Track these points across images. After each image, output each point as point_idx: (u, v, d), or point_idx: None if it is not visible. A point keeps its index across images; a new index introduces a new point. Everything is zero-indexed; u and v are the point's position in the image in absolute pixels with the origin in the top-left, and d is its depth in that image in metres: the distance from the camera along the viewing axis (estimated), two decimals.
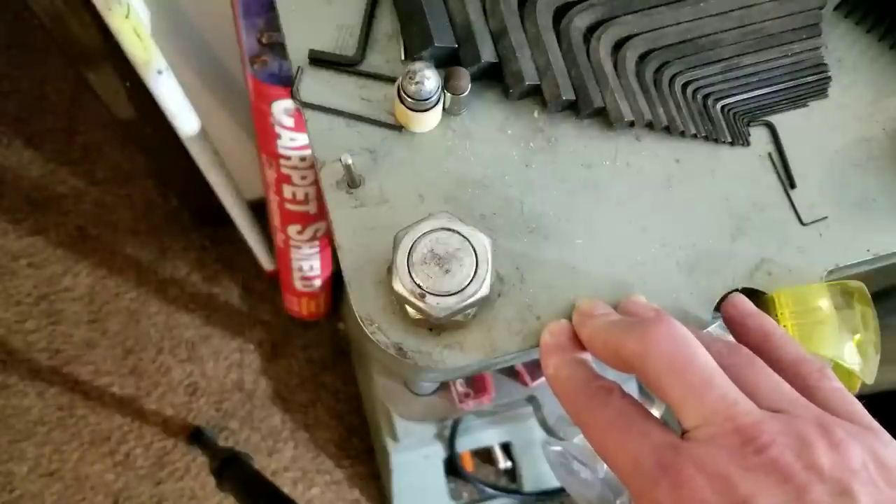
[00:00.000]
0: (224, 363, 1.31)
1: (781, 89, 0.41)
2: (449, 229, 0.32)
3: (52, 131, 1.41)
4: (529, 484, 1.18)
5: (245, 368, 1.31)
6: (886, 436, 0.25)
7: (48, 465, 1.23)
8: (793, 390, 0.26)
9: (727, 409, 0.24)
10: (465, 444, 1.14)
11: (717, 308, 0.36)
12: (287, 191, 0.89)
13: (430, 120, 0.37)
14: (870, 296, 0.35)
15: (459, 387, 0.81)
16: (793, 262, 0.38)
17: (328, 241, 1.03)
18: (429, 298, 0.31)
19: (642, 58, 0.40)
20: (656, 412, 0.32)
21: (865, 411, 0.26)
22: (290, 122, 0.78)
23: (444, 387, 0.84)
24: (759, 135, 0.41)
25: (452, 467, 1.15)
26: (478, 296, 0.31)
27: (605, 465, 0.33)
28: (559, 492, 1.16)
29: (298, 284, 1.13)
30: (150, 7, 0.74)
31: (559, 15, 0.39)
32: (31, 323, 1.31)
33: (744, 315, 0.32)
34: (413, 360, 0.34)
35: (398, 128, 0.38)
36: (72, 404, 1.27)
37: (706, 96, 0.41)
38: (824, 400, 0.26)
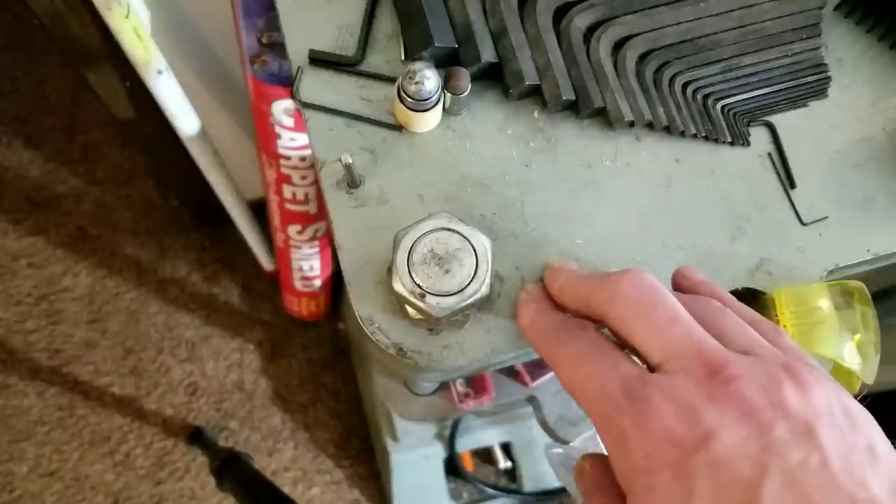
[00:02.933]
0: (224, 363, 1.31)
1: (781, 89, 0.41)
2: (449, 229, 0.32)
3: (52, 131, 1.41)
4: (529, 484, 1.18)
5: (245, 368, 1.31)
6: (845, 390, 0.25)
7: (48, 465, 1.23)
8: (759, 335, 0.26)
9: (694, 344, 0.24)
10: (465, 444, 1.14)
11: None
12: (287, 191, 0.89)
13: (430, 120, 0.37)
14: (870, 296, 0.35)
15: (459, 387, 0.81)
16: (793, 262, 0.38)
17: (328, 241, 1.03)
18: (429, 298, 0.31)
19: (642, 58, 0.40)
20: None
21: (823, 369, 0.26)
22: (290, 122, 0.78)
23: (444, 387, 0.84)
24: (759, 135, 0.41)
25: (452, 467, 1.15)
26: (478, 296, 0.31)
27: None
28: (559, 492, 1.16)
29: (298, 284, 1.13)
30: (150, 7, 0.74)
31: (559, 15, 0.39)
32: (31, 323, 1.31)
33: (695, 284, 0.32)
34: (413, 360, 0.34)
35: (398, 128, 0.38)
36: (72, 404, 1.27)
37: (706, 96, 0.41)
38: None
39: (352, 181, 0.37)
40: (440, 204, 0.37)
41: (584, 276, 0.30)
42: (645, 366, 0.26)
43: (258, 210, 1.08)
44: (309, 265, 1.07)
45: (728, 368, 0.23)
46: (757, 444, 0.22)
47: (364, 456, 1.28)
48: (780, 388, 0.23)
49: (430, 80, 0.35)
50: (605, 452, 0.30)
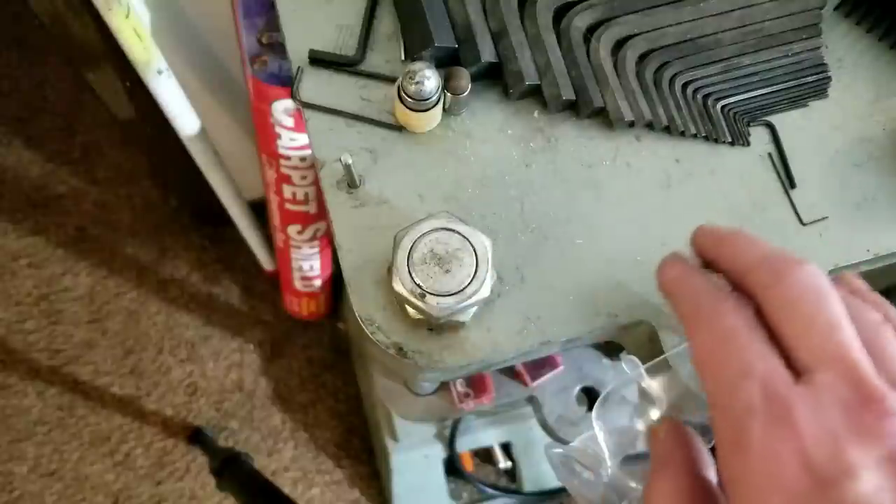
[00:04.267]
0: (224, 363, 1.31)
1: (781, 89, 0.41)
2: (449, 229, 0.32)
3: (52, 131, 1.41)
4: (529, 484, 1.18)
5: (245, 368, 1.31)
6: None
7: (48, 465, 1.23)
8: None
9: (851, 361, 0.22)
10: (465, 444, 1.14)
11: None
12: (287, 191, 0.89)
13: (430, 120, 0.37)
14: None
15: (459, 387, 0.81)
16: None
17: (328, 241, 1.03)
18: (429, 298, 0.31)
19: (642, 58, 0.40)
20: (655, 413, 0.32)
21: None
22: (290, 122, 0.78)
23: (444, 387, 0.84)
24: (759, 135, 0.41)
25: (452, 467, 1.15)
26: (478, 296, 0.31)
27: (610, 468, 0.32)
28: (559, 492, 1.16)
29: (298, 284, 1.13)
30: (150, 7, 0.74)
31: (559, 15, 0.39)
32: (31, 323, 1.31)
33: (859, 293, 0.28)
34: (413, 360, 0.34)
35: (398, 128, 0.38)
36: (72, 404, 1.27)
37: (706, 96, 0.41)
38: None
39: (352, 181, 0.37)
40: (440, 204, 0.37)
41: (750, 242, 0.27)
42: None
43: (258, 210, 1.08)
44: (309, 265, 1.07)
45: (884, 402, 0.21)
46: None
47: (364, 456, 1.28)
48: None
49: (430, 80, 0.35)
50: (611, 442, 0.28)
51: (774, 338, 0.24)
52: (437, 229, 0.32)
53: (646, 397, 0.32)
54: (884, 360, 0.23)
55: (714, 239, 0.28)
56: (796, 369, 0.23)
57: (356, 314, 0.35)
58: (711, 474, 0.26)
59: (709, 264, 0.28)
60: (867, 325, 0.24)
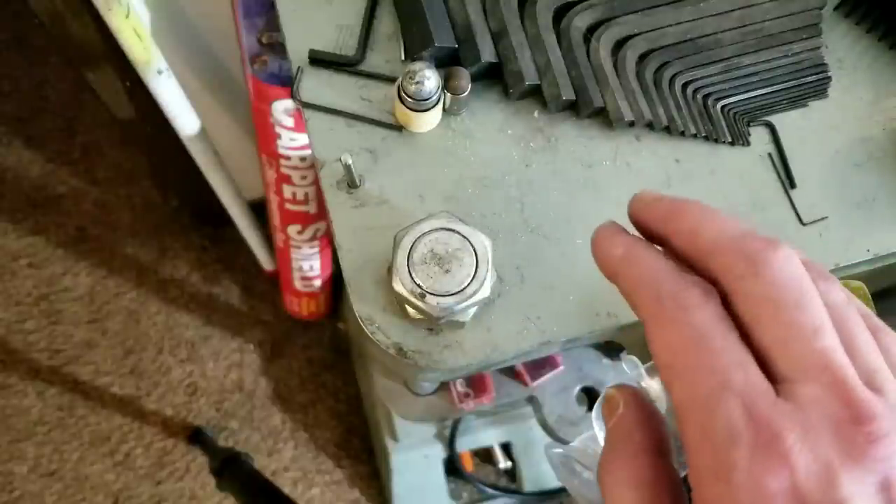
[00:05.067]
0: (224, 363, 1.31)
1: (781, 89, 0.41)
2: (449, 229, 0.32)
3: (52, 131, 1.41)
4: (529, 484, 1.18)
5: (245, 368, 1.31)
6: None
7: (48, 465, 1.23)
8: (886, 366, 0.21)
9: (837, 369, 0.19)
10: (465, 444, 1.14)
11: None
12: (287, 191, 0.89)
13: (430, 120, 0.37)
14: (870, 296, 0.35)
15: (459, 387, 0.81)
16: None
17: (328, 241, 1.03)
18: (429, 298, 0.31)
19: (642, 58, 0.40)
20: (661, 406, 0.32)
21: None
22: (290, 122, 0.78)
23: (444, 387, 0.84)
24: (759, 135, 0.41)
25: (452, 467, 1.15)
26: (478, 296, 0.31)
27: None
28: (559, 492, 1.16)
29: (298, 284, 1.13)
30: (150, 7, 0.74)
31: (559, 15, 0.39)
32: (31, 323, 1.31)
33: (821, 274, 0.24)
34: (413, 360, 0.34)
35: (398, 128, 0.38)
36: (72, 404, 1.27)
37: (706, 96, 0.41)
38: None
39: (352, 181, 0.37)
40: (440, 204, 0.37)
41: (713, 215, 0.22)
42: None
43: (258, 210, 1.08)
44: (309, 265, 1.07)
45: (873, 421, 0.19)
46: None
47: (364, 456, 1.28)
48: None
49: (430, 80, 0.35)
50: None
51: (744, 335, 0.21)
52: (437, 229, 0.32)
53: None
54: (855, 355, 0.20)
55: (665, 210, 0.23)
56: (771, 375, 0.20)
57: (356, 314, 0.35)
58: (675, 463, 0.23)
59: (655, 241, 0.24)
60: (837, 311, 0.21)
